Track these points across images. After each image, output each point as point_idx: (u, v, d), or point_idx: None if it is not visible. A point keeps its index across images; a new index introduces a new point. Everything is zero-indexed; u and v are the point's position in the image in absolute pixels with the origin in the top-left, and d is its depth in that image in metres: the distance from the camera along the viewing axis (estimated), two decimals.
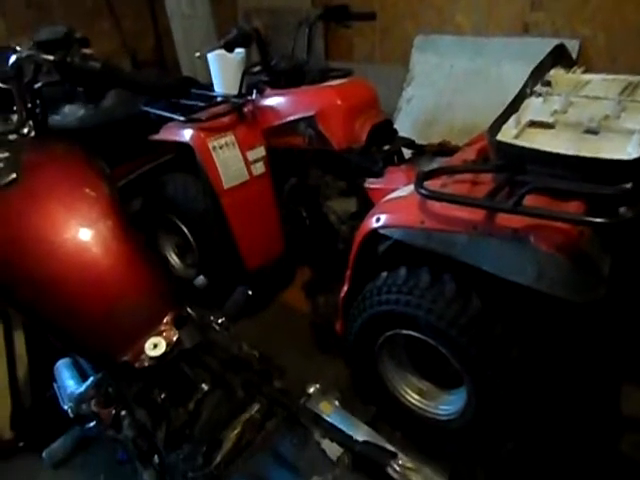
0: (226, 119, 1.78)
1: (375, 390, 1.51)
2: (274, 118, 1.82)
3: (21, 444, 1.57)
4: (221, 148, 1.73)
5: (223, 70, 1.91)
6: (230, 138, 1.77)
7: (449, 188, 1.21)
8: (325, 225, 1.82)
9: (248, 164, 1.80)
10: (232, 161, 1.76)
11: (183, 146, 1.80)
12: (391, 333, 1.40)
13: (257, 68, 1.91)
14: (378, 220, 1.30)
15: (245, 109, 1.84)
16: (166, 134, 1.84)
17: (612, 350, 1.41)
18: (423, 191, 1.14)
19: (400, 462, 0.68)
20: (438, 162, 1.66)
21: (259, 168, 1.84)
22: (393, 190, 1.44)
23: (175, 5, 3.22)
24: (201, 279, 1.48)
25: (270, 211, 1.88)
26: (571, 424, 1.45)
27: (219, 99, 1.91)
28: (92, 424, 1.02)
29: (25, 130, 1.05)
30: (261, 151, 1.84)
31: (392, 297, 1.30)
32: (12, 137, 1.04)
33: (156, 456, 0.87)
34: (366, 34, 3.04)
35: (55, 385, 1.16)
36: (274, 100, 1.82)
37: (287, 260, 2.03)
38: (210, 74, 2.59)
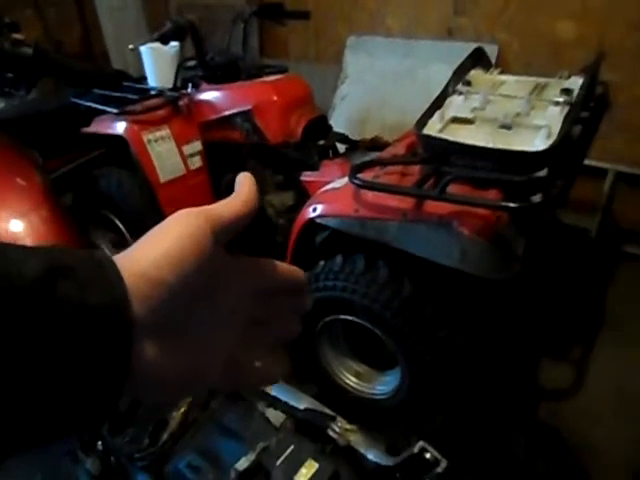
0: (161, 112, 1.77)
1: (314, 374, 1.57)
2: (210, 112, 1.83)
3: None
4: (156, 141, 1.72)
5: (157, 63, 1.89)
6: (165, 131, 1.76)
7: (381, 179, 1.28)
8: (263, 218, 1.85)
9: (184, 158, 1.80)
10: (168, 154, 1.75)
11: (116, 139, 1.76)
12: (329, 319, 1.46)
13: (192, 62, 1.91)
14: (315, 210, 1.36)
15: (180, 103, 1.83)
16: (98, 127, 1.79)
17: (529, 326, 1.55)
18: (357, 181, 1.21)
19: (339, 424, 0.73)
20: (371, 156, 1.74)
21: (196, 162, 1.84)
22: (328, 182, 1.50)
23: None
24: None
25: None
26: (492, 395, 1.58)
27: (153, 92, 1.89)
28: None
29: None
30: (197, 145, 1.85)
31: (329, 283, 1.36)
32: None
33: (99, 443, 0.87)
34: (300, 33, 3.09)
35: None
36: (210, 94, 1.83)
37: None
38: (142, 68, 2.54)
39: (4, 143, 1.04)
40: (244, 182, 0.35)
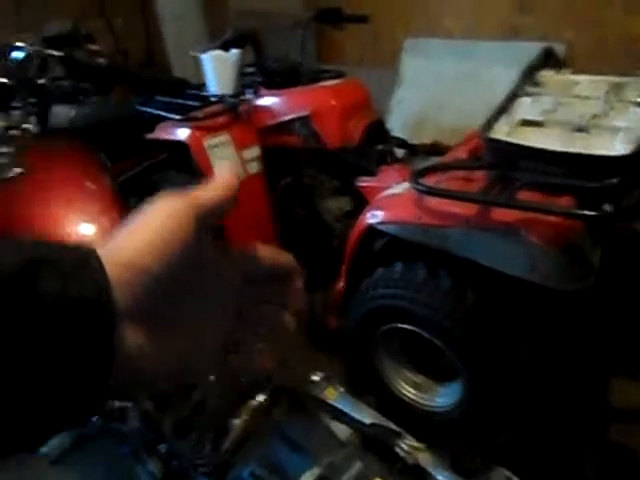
0: (221, 118, 1.80)
1: (372, 384, 1.54)
2: (269, 118, 1.84)
3: None
4: (217, 147, 1.75)
5: (217, 70, 1.92)
6: (225, 137, 1.78)
7: (444, 185, 1.24)
8: (319, 223, 1.85)
9: (243, 163, 1.81)
10: (227, 160, 1.77)
11: (178, 145, 1.81)
12: (387, 327, 1.43)
13: (251, 69, 1.93)
14: (374, 216, 1.33)
15: (240, 109, 1.85)
16: (161, 133, 1.84)
17: (601, 341, 1.45)
18: (419, 187, 1.17)
19: (407, 442, 0.70)
20: (431, 161, 1.70)
21: (254, 167, 1.85)
22: (387, 188, 1.47)
23: (167, 5, 3.22)
24: None
25: (264, 210, 1.90)
26: (561, 415, 1.49)
27: (213, 99, 1.92)
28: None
29: (27, 126, 1.06)
30: (256, 150, 1.86)
31: (389, 292, 1.33)
32: (15, 132, 1.05)
33: (162, 445, 0.88)
34: (357, 37, 3.07)
35: None
36: (269, 100, 1.84)
37: None
38: (202, 75, 2.60)
39: (76, 148, 1.07)
40: (224, 168, 0.34)
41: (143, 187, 2.02)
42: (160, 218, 0.29)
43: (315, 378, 0.87)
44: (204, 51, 1.75)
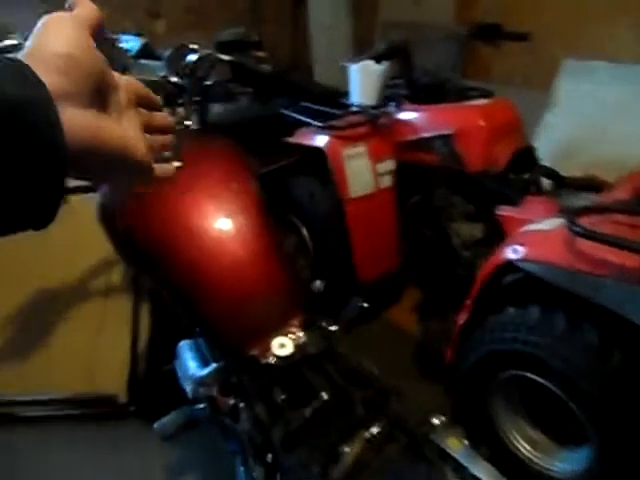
0: (361, 129, 1.79)
1: (482, 430, 1.42)
2: (409, 132, 1.80)
3: (132, 409, 1.69)
4: (353, 157, 1.74)
5: (363, 81, 1.92)
6: (362, 148, 1.77)
7: (601, 228, 1.10)
8: (446, 248, 1.76)
9: (376, 176, 1.79)
10: (361, 171, 1.76)
11: (313, 151, 1.83)
12: (510, 373, 1.31)
13: (396, 81, 1.90)
14: (515, 252, 1.22)
15: (380, 121, 1.83)
16: (301, 138, 1.88)
17: None
18: (575, 228, 1.05)
19: None
20: (583, 198, 1.53)
21: (386, 181, 1.82)
22: (530, 221, 1.35)
23: (317, 15, 3.32)
24: (318, 283, 1.49)
25: (390, 225, 1.86)
26: None
27: (355, 109, 1.93)
28: (202, 406, 1.05)
29: (188, 122, 1.12)
30: (391, 164, 1.83)
31: (520, 336, 1.21)
32: (178, 128, 1.12)
33: (270, 455, 0.87)
34: (507, 54, 2.89)
35: (176, 363, 1.22)
36: (412, 114, 1.80)
37: (399, 278, 1.99)
38: (343, 83, 2.63)
39: (229, 147, 1.11)
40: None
41: (275, 186, 2.08)
42: (64, 33, 0.33)
43: (435, 421, 0.81)
44: (355, 62, 1.75)
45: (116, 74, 0.39)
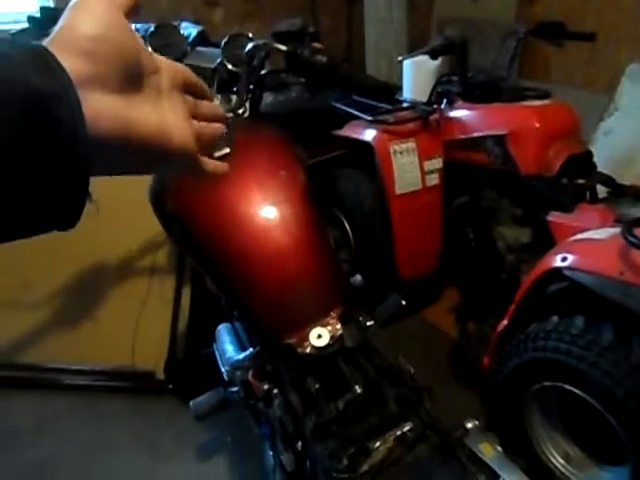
0: (410, 125, 1.77)
1: (515, 438, 1.38)
2: (459, 131, 1.76)
3: (170, 386, 1.74)
4: (401, 153, 1.73)
5: (415, 76, 1.90)
6: (411, 144, 1.75)
7: None
8: (491, 251, 1.72)
9: (423, 173, 1.77)
10: (409, 168, 1.74)
11: (361, 144, 1.82)
12: (549, 384, 1.27)
13: (451, 77, 1.86)
14: (564, 259, 1.18)
15: (431, 118, 1.80)
16: (350, 131, 1.88)
17: None
18: (633, 239, 1.00)
19: None
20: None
21: (433, 179, 1.79)
22: (583, 229, 1.30)
23: (373, 8, 3.29)
24: (359, 278, 1.49)
25: (435, 224, 1.83)
26: None
27: (406, 104, 1.90)
28: (235, 389, 1.07)
29: (241, 111, 1.14)
30: (438, 162, 1.80)
31: (562, 346, 1.18)
32: (229, 115, 1.14)
33: (300, 442, 0.88)
34: (568, 54, 2.79)
35: (215, 345, 1.25)
36: (464, 113, 1.76)
37: (439, 277, 1.97)
38: (395, 78, 2.60)
39: (279, 136, 1.12)
40: None
41: (320, 178, 2.09)
42: (94, 7, 0.32)
43: (469, 425, 0.80)
44: (410, 57, 1.73)
45: (161, 57, 0.37)
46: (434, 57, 1.64)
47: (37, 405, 1.72)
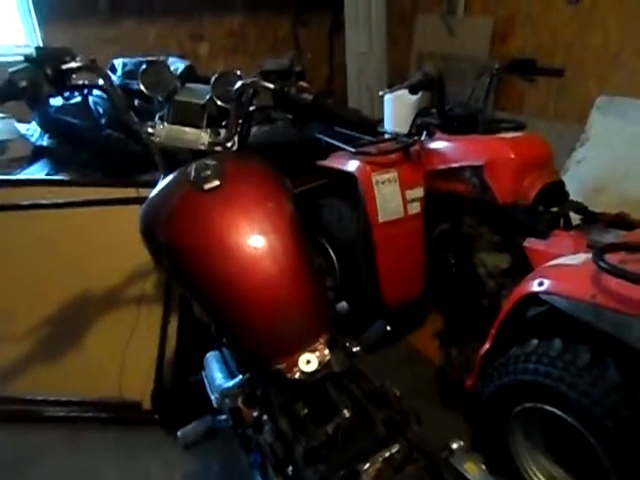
0: (392, 156, 1.84)
1: (499, 459, 1.41)
2: (439, 161, 1.83)
3: (157, 417, 1.73)
4: (383, 183, 1.79)
5: (396, 109, 1.99)
6: (393, 175, 1.81)
7: (628, 265, 1.10)
8: (471, 277, 1.77)
9: (405, 202, 1.83)
10: (391, 197, 1.80)
11: (344, 175, 1.88)
12: (530, 405, 1.30)
13: (431, 111, 1.95)
14: (541, 284, 1.24)
15: (412, 149, 1.88)
16: (334, 162, 1.94)
17: None
18: (604, 265, 1.06)
19: None
20: (613, 234, 1.53)
21: (415, 208, 1.86)
22: (557, 255, 1.36)
23: (354, 42, 3.42)
24: (344, 305, 1.52)
25: (417, 252, 1.89)
26: None
27: (388, 136, 1.98)
28: (224, 417, 1.07)
29: (229, 144, 1.19)
30: (419, 192, 1.87)
31: (542, 368, 1.22)
32: (218, 148, 1.18)
33: (290, 468, 0.89)
34: (541, 88, 2.93)
35: (203, 373, 1.26)
36: (443, 144, 1.84)
37: (423, 303, 2.01)
38: (376, 109, 2.69)
39: (267, 168, 1.16)
40: None
41: (304, 207, 2.13)
42: None
43: (454, 446, 0.83)
44: (390, 91, 1.81)
45: None
46: (413, 92, 1.72)
47: (22, 438, 1.69)
